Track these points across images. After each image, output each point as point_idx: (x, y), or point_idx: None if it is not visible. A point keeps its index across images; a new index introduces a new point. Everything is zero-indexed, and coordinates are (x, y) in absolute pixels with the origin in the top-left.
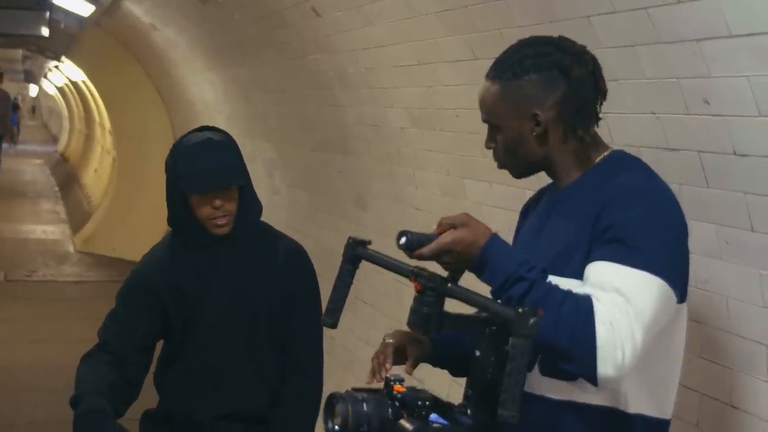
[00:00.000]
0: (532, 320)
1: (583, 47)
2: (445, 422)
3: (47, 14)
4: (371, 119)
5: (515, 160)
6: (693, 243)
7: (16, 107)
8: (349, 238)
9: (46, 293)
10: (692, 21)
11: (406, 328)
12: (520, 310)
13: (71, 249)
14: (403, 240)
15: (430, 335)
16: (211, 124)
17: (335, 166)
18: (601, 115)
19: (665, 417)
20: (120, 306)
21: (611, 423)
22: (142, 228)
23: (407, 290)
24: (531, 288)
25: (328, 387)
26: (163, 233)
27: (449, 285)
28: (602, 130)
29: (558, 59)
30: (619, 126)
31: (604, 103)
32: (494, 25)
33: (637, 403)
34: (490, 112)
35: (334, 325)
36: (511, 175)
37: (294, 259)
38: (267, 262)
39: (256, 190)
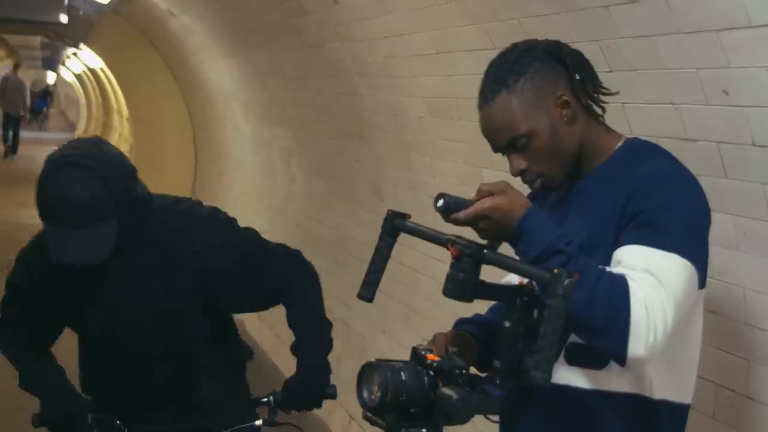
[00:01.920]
0: (566, 281)
1: None
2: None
3: (66, 1)
4: (389, 108)
5: (558, 160)
6: (711, 234)
7: (48, 94)
8: (389, 210)
9: None
10: (712, 11)
11: (442, 330)
12: (555, 270)
13: None
14: (440, 202)
15: (473, 345)
16: (229, 112)
17: (352, 154)
18: (618, 105)
19: (686, 402)
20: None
21: (637, 409)
22: None
23: (424, 279)
24: (568, 262)
25: (344, 373)
26: None
27: (485, 251)
28: (621, 120)
29: (543, 48)
30: (638, 116)
31: (623, 94)
32: (513, 14)
33: (662, 389)
34: (510, 126)
35: (370, 299)
36: (554, 187)
37: (195, 242)
38: (160, 257)
39: (274, 177)
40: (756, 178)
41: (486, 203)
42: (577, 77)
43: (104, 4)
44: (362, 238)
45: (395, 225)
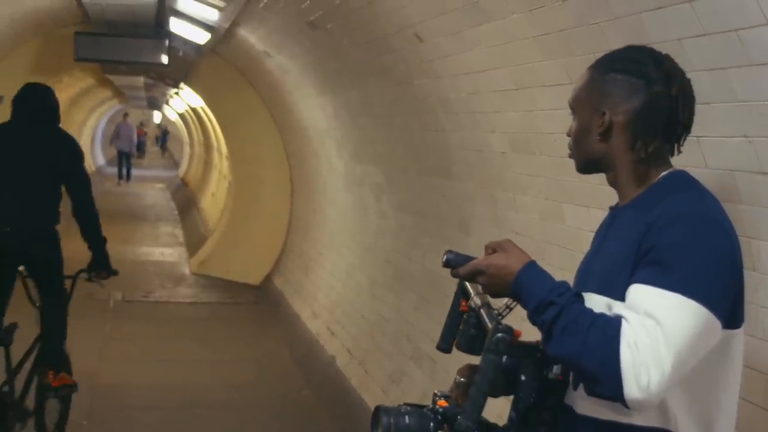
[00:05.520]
0: (496, 336)
1: (682, 72)
2: None
3: (166, 42)
4: (473, 143)
5: (578, 151)
6: None
7: (167, 132)
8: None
9: (161, 314)
10: None
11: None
12: (492, 325)
13: (187, 271)
14: (444, 258)
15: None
16: (324, 150)
17: (439, 190)
18: (693, 139)
19: None
20: None
21: None
22: (256, 251)
23: (507, 317)
24: (561, 312)
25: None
26: (276, 258)
27: (481, 308)
28: (696, 154)
29: (647, 71)
30: (713, 149)
31: (697, 127)
32: (589, 49)
33: (687, 426)
34: (574, 95)
35: (448, 351)
36: (576, 168)
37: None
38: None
39: (365, 214)
40: None
41: (484, 260)
42: (643, 118)
43: (202, 45)
44: (449, 275)
45: (463, 286)
